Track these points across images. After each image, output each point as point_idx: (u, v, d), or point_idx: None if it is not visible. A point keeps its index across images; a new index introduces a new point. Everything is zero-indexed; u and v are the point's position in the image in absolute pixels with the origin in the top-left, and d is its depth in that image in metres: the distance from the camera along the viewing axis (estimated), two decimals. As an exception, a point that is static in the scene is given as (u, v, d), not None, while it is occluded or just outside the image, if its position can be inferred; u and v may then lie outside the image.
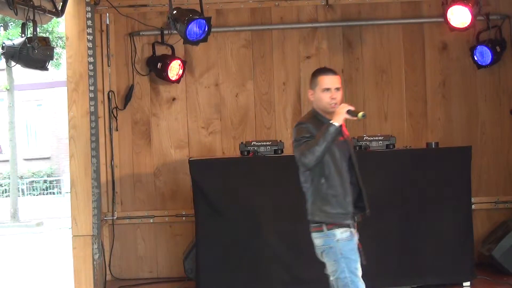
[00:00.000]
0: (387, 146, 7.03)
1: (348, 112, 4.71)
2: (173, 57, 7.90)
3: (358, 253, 4.85)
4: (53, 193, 26.39)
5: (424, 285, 6.93)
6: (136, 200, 8.09)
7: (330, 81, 4.88)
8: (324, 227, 4.79)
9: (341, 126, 4.72)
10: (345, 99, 7.90)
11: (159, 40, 7.96)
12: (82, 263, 7.03)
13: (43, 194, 26.43)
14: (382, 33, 8.12)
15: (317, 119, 4.86)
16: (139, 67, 8.08)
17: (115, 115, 8.03)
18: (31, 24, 6.04)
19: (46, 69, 6.30)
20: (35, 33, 6.04)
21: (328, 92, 4.85)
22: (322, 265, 6.88)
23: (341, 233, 4.78)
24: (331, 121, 4.70)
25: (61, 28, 19.28)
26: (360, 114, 4.69)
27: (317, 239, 4.85)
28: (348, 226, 4.80)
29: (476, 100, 8.07)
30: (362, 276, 5.24)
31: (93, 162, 7.17)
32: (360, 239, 4.93)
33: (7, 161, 21.60)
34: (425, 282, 6.91)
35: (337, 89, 4.88)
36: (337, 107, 4.80)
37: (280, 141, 7.17)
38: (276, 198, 6.90)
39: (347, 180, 4.84)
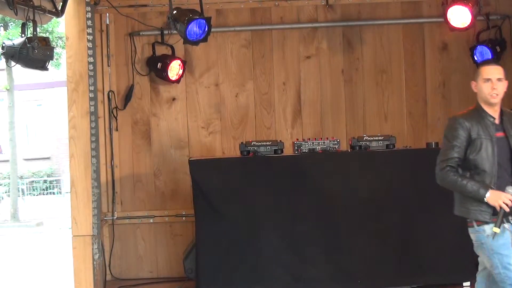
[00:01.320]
0: (387, 146, 7.03)
1: (502, 211, 4.65)
2: (173, 57, 7.90)
3: (511, 247, 4.77)
4: (53, 193, 26.35)
5: (424, 285, 6.92)
6: (136, 200, 8.09)
7: (491, 71, 4.87)
8: (474, 223, 4.79)
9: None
10: (345, 99, 8.08)
11: (159, 40, 7.96)
12: (82, 263, 7.02)
13: (43, 194, 26.39)
14: (382, 33, 8.12)
15: (478, 113, 4.85)
16: (139, 67, 8.08)
17: (115, 115, 8.02)
18: (31, 24, 6.04)
19: (46, 69, 6.30)
20: (35, 33, 6.05)
21: (489, 83, 4.85)
22: (322, 265, 6.93)
23: (491, 229, 4.74)
24: (486, 194, 4.66)
25: (61, 28, 19.26)
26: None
27: (471, 235, 4.85)
28: (486, 223, 4.74)
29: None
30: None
31: (93, 162, 7.16)
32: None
33: (7, 161, 21.59)
34: (425, 282, 6.90)
35: (499, 79, 4.84)
36: (498, 98, 4.79)
37: (280, 141, 7.17)
38: (276, 198, 6.90)
39: (494, 176, 4.76)
